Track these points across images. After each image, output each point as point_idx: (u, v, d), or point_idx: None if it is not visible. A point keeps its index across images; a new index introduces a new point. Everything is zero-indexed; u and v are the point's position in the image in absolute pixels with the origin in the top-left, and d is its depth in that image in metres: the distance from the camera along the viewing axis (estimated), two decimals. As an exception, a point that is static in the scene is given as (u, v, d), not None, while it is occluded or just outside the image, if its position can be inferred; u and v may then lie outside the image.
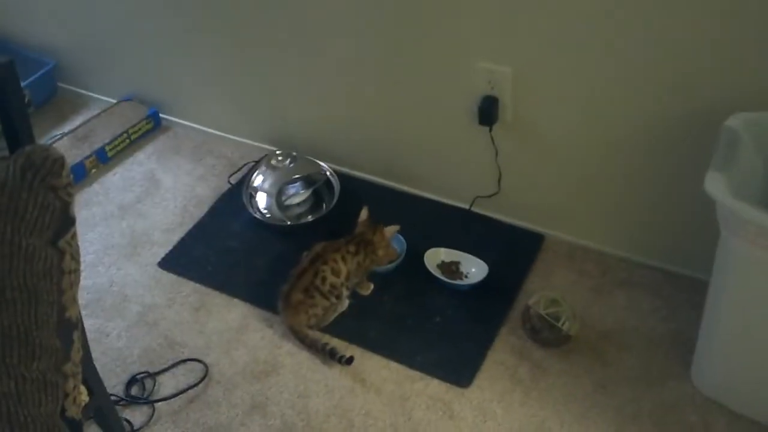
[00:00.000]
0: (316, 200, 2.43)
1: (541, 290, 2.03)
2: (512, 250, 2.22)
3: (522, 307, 2.00)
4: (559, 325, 1.89)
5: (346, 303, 2.04)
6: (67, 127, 2.81)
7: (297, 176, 2.43)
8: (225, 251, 2.30)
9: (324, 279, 1.97)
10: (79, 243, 2.30)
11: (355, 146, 2.48)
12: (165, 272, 2.26)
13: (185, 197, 2.52)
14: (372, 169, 2.50)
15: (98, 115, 2.81)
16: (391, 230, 2.08)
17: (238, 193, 2.45)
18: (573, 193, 2.15)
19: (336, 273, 1.99)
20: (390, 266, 2.15)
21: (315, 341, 1.96)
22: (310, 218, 2.37)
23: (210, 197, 2.50)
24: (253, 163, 2.53)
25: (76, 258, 1.10)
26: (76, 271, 1.10)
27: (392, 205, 2.40)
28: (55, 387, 1.02)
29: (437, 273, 2.11)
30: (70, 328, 1.07)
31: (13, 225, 1.01)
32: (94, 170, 2.65)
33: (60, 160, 1.08)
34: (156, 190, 2.56)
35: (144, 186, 2.58)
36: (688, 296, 2.02)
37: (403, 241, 2.21)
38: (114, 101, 2.88)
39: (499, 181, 2.22)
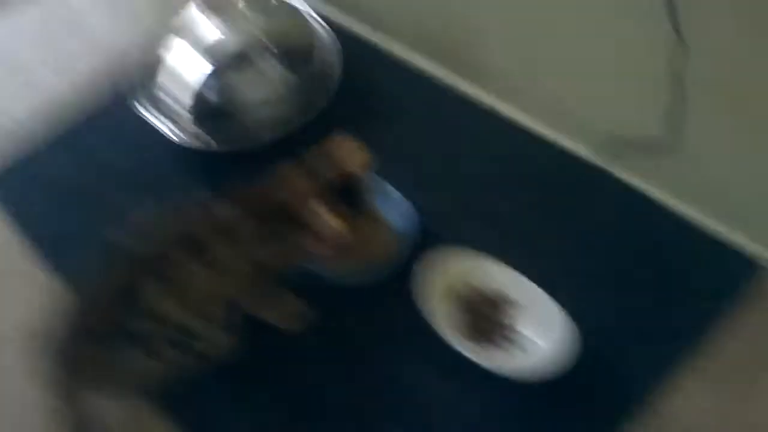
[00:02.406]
0: (300, 95, 1.21)
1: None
2: (660, 287, 0.94)
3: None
4: None
5: (222, 344, 0.86)
6: None
7: (266, 42, 1.19)
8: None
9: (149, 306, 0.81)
10: None
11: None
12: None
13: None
14: (416, 44, 1.25)
15: None
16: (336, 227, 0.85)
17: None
18: None
19: (181, 291, 0.81)
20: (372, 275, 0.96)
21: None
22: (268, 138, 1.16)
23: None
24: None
25: None
26: None
27: (439, 122, 1.18)
28: None
29: (450, 330, 0.86)
30: None
31: None
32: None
33: None
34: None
35: None
36: None
37: (415, 213, 1.00)
38: None
39: (678, 125, 0.89)
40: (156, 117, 1.18)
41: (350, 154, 0.88)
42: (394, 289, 0.93)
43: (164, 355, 0.83)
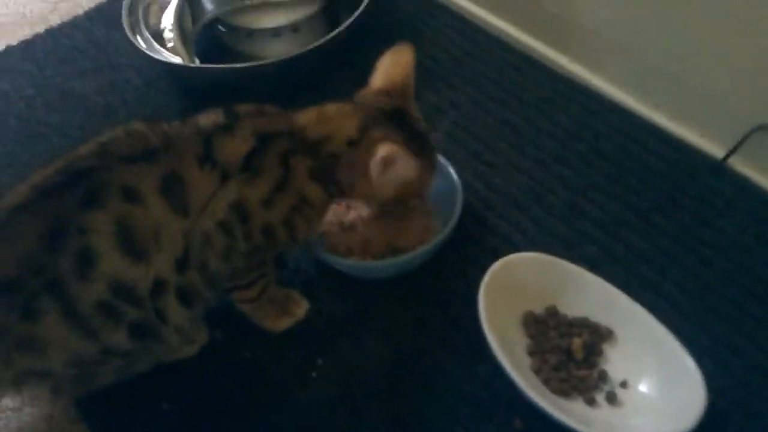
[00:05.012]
0: (324, 26, 1.02)
1: None
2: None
3: None
4: None
5: (195, 336, 0.70)
6: None
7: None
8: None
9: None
10: None
11: None
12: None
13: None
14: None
15: None
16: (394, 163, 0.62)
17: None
18: None
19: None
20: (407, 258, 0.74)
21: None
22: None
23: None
24: None
25: None
26: None
27: (494, 76, 0.97)
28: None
29: (521, 371, 0.63)
30: None
31: None
32: None
33: None
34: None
35: None
36: None
37: (458, 183, 0.77)
38: None
39: None
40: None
41: (395, 63, 0.65)
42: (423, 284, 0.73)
43: (108, 334, 0.54)
